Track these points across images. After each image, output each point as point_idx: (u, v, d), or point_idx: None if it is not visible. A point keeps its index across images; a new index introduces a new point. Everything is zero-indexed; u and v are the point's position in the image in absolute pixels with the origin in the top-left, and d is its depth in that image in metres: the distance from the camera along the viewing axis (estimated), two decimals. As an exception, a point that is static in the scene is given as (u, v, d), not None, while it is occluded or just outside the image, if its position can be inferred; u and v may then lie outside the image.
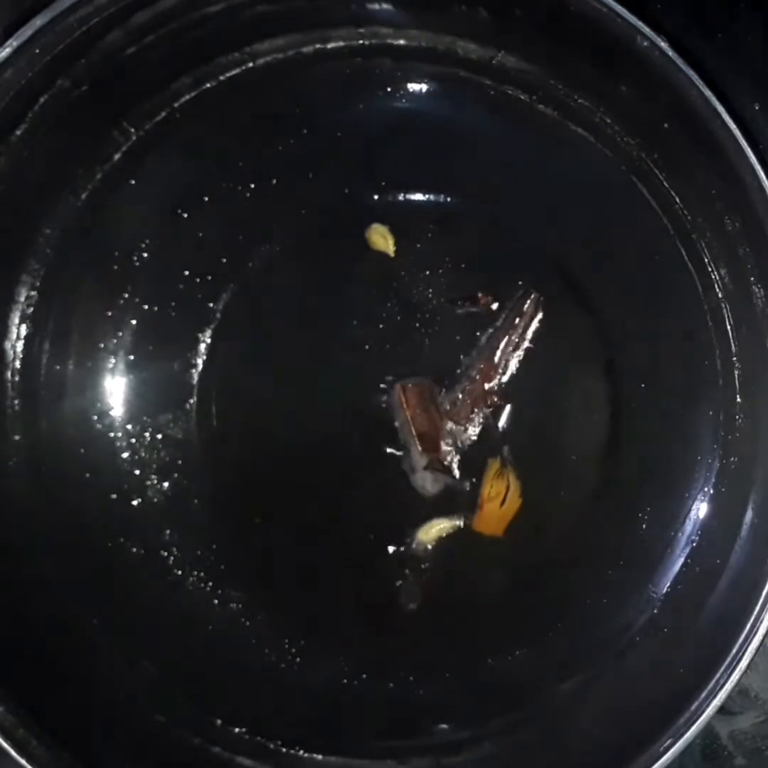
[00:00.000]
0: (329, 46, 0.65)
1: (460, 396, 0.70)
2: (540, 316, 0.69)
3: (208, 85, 0.65)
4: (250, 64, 0.65)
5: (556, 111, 0.66)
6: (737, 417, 0.65)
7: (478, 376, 0.69)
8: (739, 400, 0.65)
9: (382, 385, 0.69)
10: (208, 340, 0.70)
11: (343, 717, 0.68)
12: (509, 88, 0.66)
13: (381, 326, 0.69)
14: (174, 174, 0.68)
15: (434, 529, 0.70)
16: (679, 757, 0.57)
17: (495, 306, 0.69)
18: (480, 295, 0.69)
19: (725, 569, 0.63)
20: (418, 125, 0.68)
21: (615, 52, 0.57)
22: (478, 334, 0.70)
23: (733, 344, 0.65)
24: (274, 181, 0.69)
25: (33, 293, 0.65)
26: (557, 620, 0.69)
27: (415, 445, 0.70)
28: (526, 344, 0.69)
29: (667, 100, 0.57)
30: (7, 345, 0.65)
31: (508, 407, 0.70)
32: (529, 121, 0.66)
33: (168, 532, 0.69)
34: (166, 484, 0.70)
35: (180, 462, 0.70)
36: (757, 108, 0.61)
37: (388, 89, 0.67)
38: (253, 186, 0.68)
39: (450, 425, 0.70)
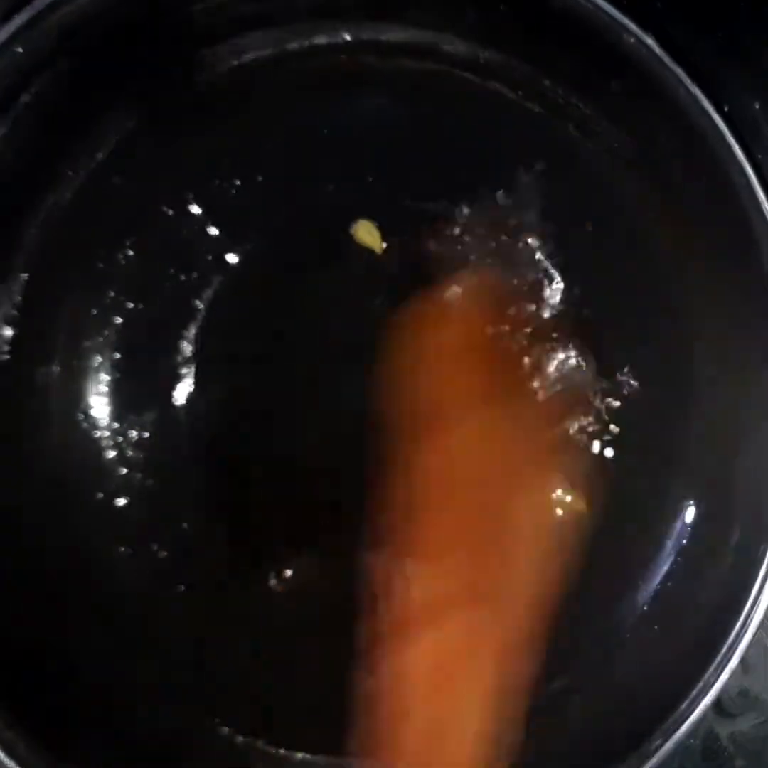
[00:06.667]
0: (314, 42, 0.65)
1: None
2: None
3: (192, 82, 0.65)
4: (235, 62, 0.65)
5: (544, 108, 0.65)
6: (729, 417, 0.66)
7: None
8: (731, 400, 0.65)
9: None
10: (194, 338, 0.70)
11: (341, 716, 0.69)
12: (495, 85, 0.65)
13: (369, 323, 0.69)
14: (158, 171, 0.67)
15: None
16: (679, 759, 0.58)
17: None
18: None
19: (715, 568, 0.64)
20: (403, 121, 0.68)
21: (601, 48, 0.57)
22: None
23: (726, 343, 0.65)
24: (260, 178, 0.68)
25: (17, 292, 0.65)
26: (546, 619, 0.69)
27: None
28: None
29: (654, 97, 0.57)
30: (-8, 346, 0.65)
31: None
32: (516, 117, 0.66)
33: (155, 531, 0.69)
34: (152, 483, 0.69)
35: (166, 460, 0.70)
36: (757, 107, 0.61)
37: (373, 85, 0.67)
38: (238, 183, 0.68)
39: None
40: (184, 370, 0.70)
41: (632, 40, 0.55)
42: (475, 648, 0.63)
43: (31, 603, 0.65)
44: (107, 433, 0.69)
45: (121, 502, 0.69)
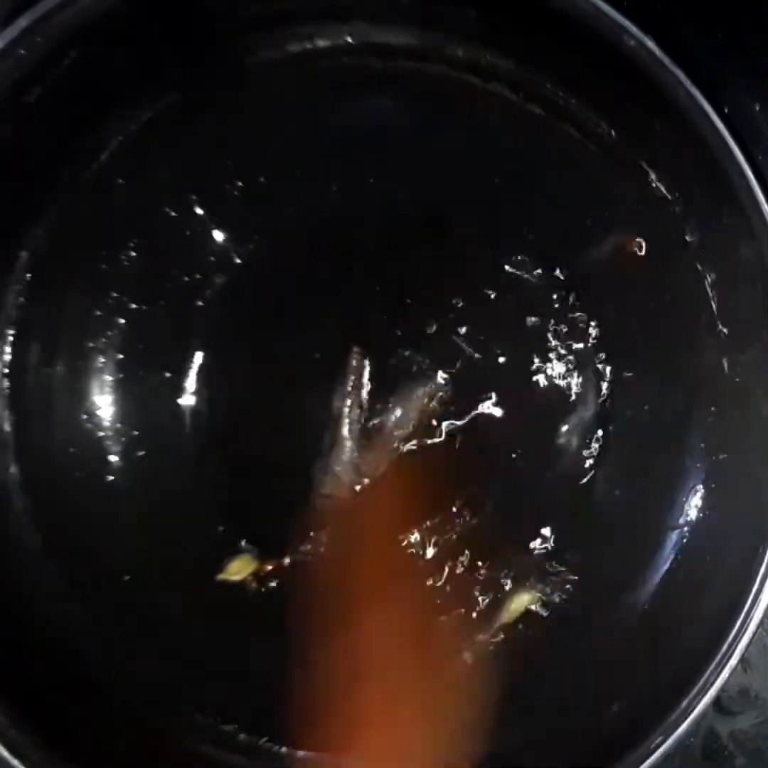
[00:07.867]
0: (316, 44, 0.65)
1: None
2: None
3: (195, 83, 0.65)
4: (238, 64, 0.65)
5: (544, 109, 0.65)
6: (726, 412, 0.66)
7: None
8: (728, 395, 0.65)
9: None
10: (197, 338, 0.70)
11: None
12: (497, 86, 0.65)
13: (372, 325, 0.70)
14: (161, 173, 0.67)
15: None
16: (679, 757, 0.58)
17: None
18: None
19: (715, 566, 0.64)
20: (405, 123, 0.68)
21: (602, 50, 0.57)
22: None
23: (722, 341, 0.65)
24: (262, 179, 0.68)
25: (21, 294, 0.65)
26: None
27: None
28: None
29: (654, 98, 0.57)
30: (-5, 346, 0.65)
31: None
32: (516, 119, 0.66)
33: (160, 531, 0.69)
34: (156, 484, 0.70)
35: (170, 461, 0.70)
36: (757, 108, 0.61)
37: (375, 87, 0.67)
38: (240, 184, 0.68)
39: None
40: (187, 371, 0.70)
41: (632, 41, 0.55)
42: None
43: (34, 602, 0.65)
44: (110, 434, 0.69)
45: (124, 501, 0.69)
